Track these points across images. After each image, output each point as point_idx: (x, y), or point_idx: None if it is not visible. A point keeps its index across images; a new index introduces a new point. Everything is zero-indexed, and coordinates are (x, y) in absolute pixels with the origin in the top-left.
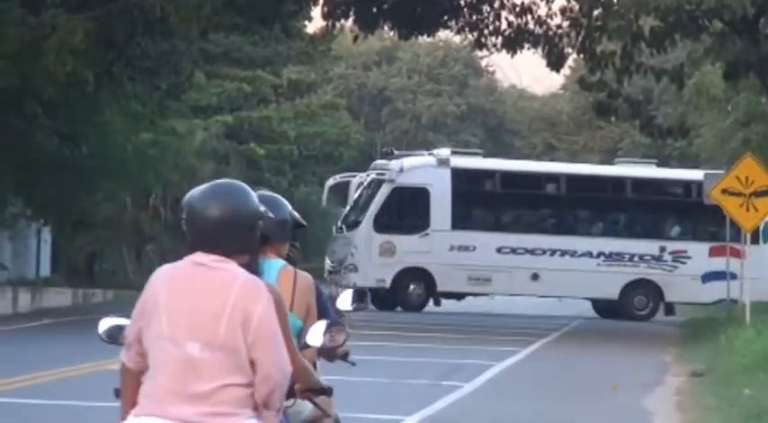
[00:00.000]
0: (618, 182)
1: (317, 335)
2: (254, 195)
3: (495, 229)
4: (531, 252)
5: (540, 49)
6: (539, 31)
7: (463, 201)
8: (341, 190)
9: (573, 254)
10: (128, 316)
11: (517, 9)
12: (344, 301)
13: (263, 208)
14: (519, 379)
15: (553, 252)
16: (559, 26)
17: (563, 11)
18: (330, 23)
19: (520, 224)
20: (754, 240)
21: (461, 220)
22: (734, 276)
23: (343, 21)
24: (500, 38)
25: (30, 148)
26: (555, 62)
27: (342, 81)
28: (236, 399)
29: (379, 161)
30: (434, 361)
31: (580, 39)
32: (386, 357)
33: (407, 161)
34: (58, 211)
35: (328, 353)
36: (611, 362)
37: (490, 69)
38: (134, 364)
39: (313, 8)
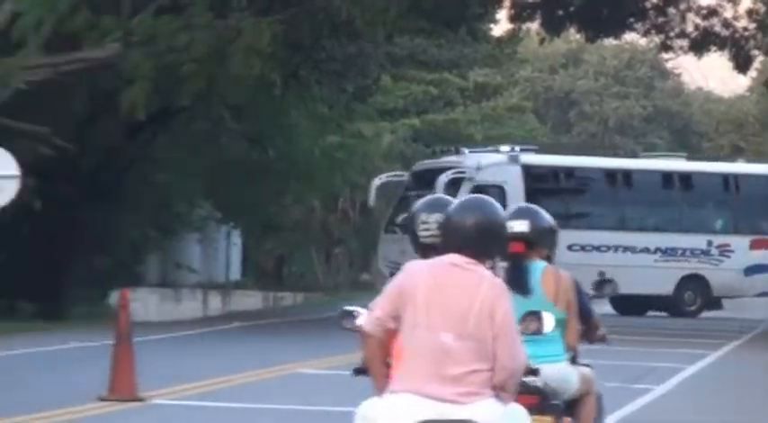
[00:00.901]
0: (675, 176)
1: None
2: (499, 208)
3: (564, 226)
4: (597, 249)
5: (726, 52)
6: (725, 33)
7: (534, 198)
8: (389, 189)
9: (633, 250)
10: (319, 318)
11: (703, 12)
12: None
13: (506, 220)
14: (712, 382)
15: (616, 249)
16: (746, 28)
17: (749, 13)
18: (516, 26)
19: (587, 221)
20: None
21: None
22: None
23: (529, 23)
24: (686, 40)
25: (217, 152)
26: (742, 64)
27: (528, 84)
28: (481, 381)
29: (448, 158)
30: (626, 364)
31: (767, 40)
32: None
33: (484, 159)
34: (247, 214)
35: (589, 336)
36: None
37: (676, 71)
38: (372, 327)
39: (498, 11)
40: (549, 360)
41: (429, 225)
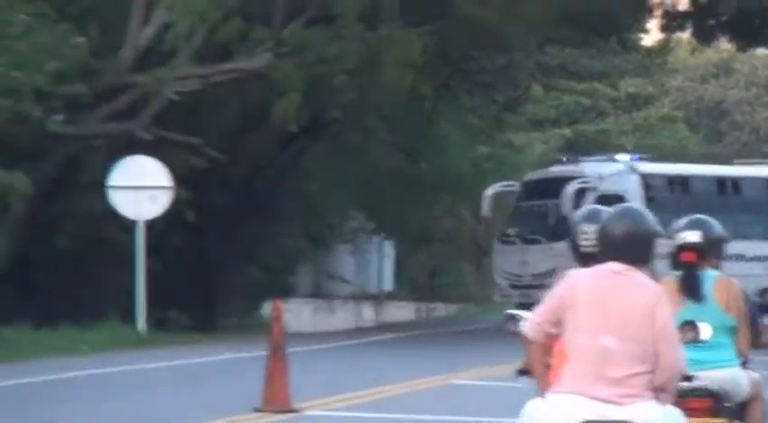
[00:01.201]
0: None
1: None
2: (650, 217)
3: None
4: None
5: None
6: None
7: (652, 206)
8: (503, 200)
9: (744, 258)
10: (470, 329)
11: None
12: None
13: (657, 228)
14: None
15: (730, 257)
16: None
17: None
18: (667, 36)
19: None
20: None
21: None
22: None
23: (679, 33)
24: None
25: (369, 163)
26: None
27: (679, 93)
28: (642, 384)
29: (562, 167)
30: None
31: None
32: None
33: (605, 168)
34: (399, 225)
35: (755, 343)
36: None
37: None
38: (534, 333)
39: (649, 20)
40: (722, 365)
41: (588, 235)
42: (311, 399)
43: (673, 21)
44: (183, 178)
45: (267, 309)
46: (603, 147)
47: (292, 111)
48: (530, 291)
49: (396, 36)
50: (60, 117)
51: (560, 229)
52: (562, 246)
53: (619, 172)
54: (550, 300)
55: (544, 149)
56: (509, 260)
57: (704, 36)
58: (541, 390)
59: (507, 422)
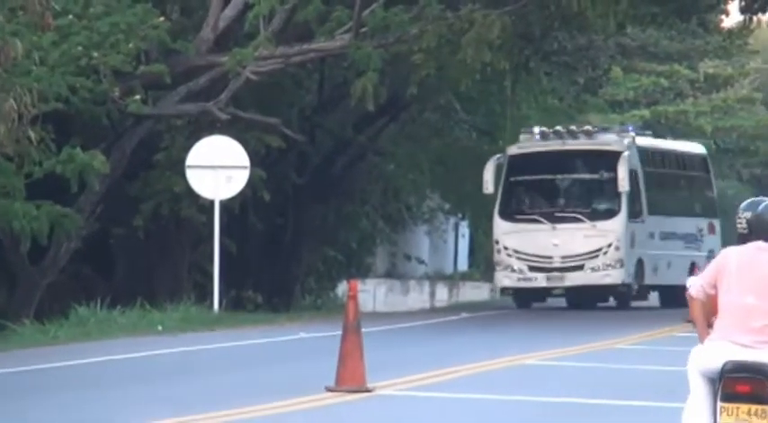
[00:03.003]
0: None
1: None
2: None
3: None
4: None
5: None
6: None
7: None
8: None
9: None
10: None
11: None
12: None
13: None
14: None
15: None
16: None
17: None
18: (747, 17)
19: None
20: None
21: None
22: None
23: (760, 14)
24: None
25: (447, 143)
26: None
27: (758, 75)
28: None
29: (570, 140)
30: None
31: None
32: None
33: (617, 141)
34: (475, 206)
35: None
36: None
37: None
38: (698, 294)
39: (730, 2)
40: None
41: (741, 220)
42: (385, 378)
43: (753, 2)
44: (260, 158)
45: (343, 289)
46: (685, 128)
47: (370, 90)
48: (561, 274)
49: (476, 17)
50: (139, 97)
51: (609, 208)
52: (611, 224)
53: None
54: (710, 268)
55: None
56: (532, 240)
57: None
58: (700, 337)
59: (579, 402)
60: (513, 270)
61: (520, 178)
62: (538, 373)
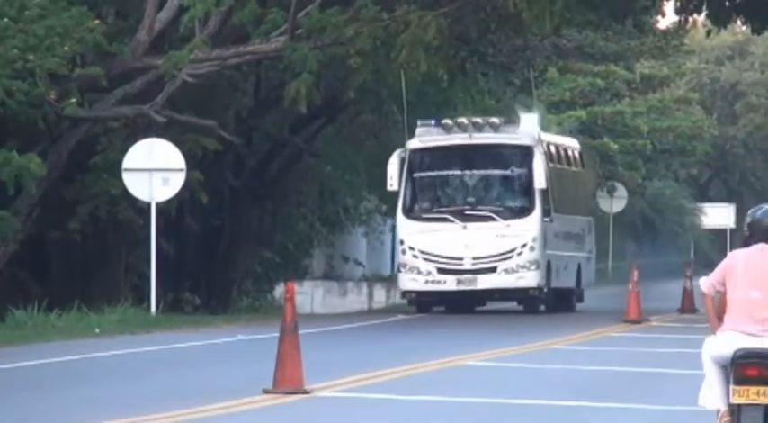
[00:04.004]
0: None
1: None
2: None
3: None
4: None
5: None
6: None
7: None
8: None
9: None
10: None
11: None
12: None
13: None
14: None
15: None
16: None
17: None
18: (682, 18)
19: None
20: None
21: None
22: None
23: (695, 15)
24: None
25: (383, 145)
26: None
27: (694, 75)
28: None
29: (481, 134)
30: None
31: None
32: None
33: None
34: None
35: None
36: None
37: None
38: (709, 290)
39: (665, 3)
40: None
41: (745, 225)
42: (323, 380)
43: (688, 3)
44: (196, 161)
45: (280, 291)
46: (621, 129)
47: (303, 92)
48: (472, 276)
49: (411, 18)
50: (75, 100)
51: (523, 206)
52: (526, 223)
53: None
54: (719, 268)
55: (559, 131)
56: (440, 240)
57: (719, 18)
58: (712, 329)
59: (518, 402)
60: (420, 272)
61: (424, 174)
62: (477, 373)
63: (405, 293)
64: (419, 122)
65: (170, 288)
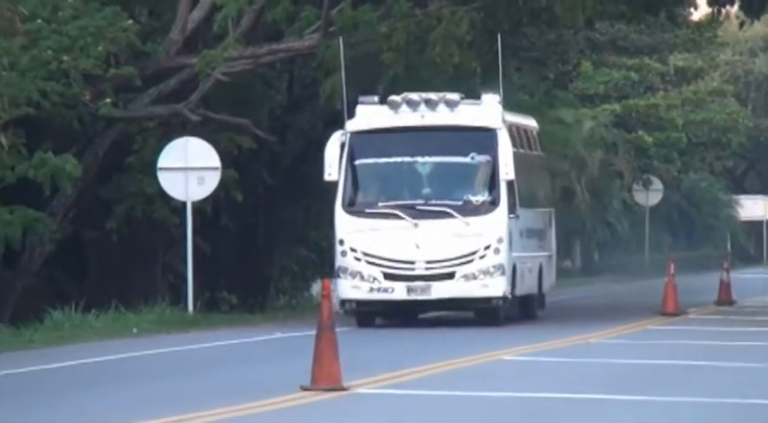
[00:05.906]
0: None
1: None
2: None
3: None
4: None
5: None
6: None
7: None
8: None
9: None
10: None
11: None
12: None
13: None
14: None
15: None
16: None
17: None
18: (715, 10)
19: None
20: None
21: None
22: None
23: (728, 7)
24: None
25: None
26: None
27: (728, 67)
28: None
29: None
30: None
31: None
32: None
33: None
34: None
35: None
36: None
37: None
38: None
39: None
40: None
41: None
42: (361, 377)
43: None
44: (231, 159)
45: (317, 288)
46: (656, 122)
47: (339, 90)
48: (426, 284)
49: (444, 13)
50: (110, 100)
51: (486, 200)
52: (490, 220)
53: None
54: None
55: (594, 125)
56: (387, 240)
57: (752, 9)
58: None
59: (557, 397)
60: (363, 278)
61: (368, 161)
62: (515, 368)
63: (343, 303)
64: (360, 98)
65: (207, 287)
